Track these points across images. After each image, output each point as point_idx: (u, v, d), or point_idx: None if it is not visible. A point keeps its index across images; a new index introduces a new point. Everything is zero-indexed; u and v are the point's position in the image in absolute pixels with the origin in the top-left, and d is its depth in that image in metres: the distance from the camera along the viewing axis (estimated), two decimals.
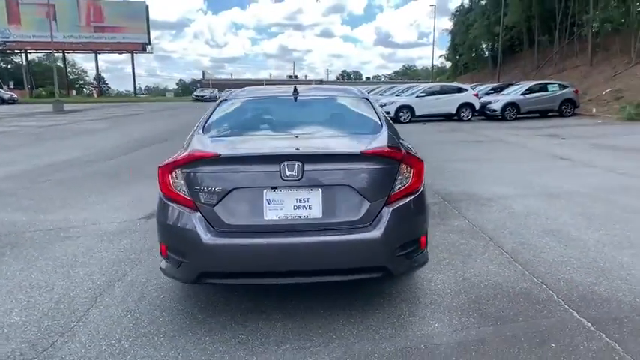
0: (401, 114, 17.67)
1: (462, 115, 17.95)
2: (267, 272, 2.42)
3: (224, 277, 2.44)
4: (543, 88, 18.28)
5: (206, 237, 2.33)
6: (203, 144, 2.59)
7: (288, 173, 2.35)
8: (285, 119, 3.30)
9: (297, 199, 2.40)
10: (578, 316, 2.65)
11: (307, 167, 2.36)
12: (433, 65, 54.90)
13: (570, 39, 29.07)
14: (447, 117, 18.23)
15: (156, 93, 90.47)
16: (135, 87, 67.86)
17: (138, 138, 12.56)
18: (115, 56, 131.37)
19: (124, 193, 5.94)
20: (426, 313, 2.74)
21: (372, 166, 2.45)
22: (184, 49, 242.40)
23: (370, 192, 2.43)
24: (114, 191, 6.08)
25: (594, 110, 18.34)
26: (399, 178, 2.50)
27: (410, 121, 17.63)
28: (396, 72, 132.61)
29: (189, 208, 2.41)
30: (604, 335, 2.45)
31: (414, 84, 23.51)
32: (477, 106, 18.23)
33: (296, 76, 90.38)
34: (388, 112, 17.20)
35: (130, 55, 62.36)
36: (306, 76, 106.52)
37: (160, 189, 2.55)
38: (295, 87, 3.37)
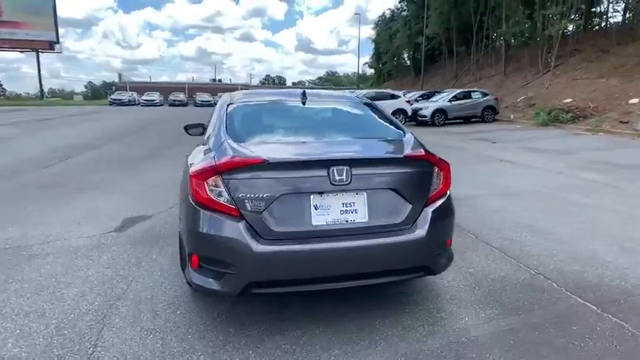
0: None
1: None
2: (316, 278, 2.37)
3: (273, 285, 2.34)
4: (467, 95, 19.75)
5: (256, 246, 2.23)
6: (241, 150, 2.46)
7: (337, 178, 2.33)
8: (308, 124, 3.24)
9: (343, 204, 2.38)
10: (582, 302, 2.93)
11: (354, 171, 2.37)
12: (359, 72, 56.79)
13: (485, 51, 31.77)
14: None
15: (60, 96, 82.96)
16: (41, 89, 61.63)
17: (63, 145, 11.36)
18: (9, 55, 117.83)
19: (75, 205, 5.40)
20: (452, 308, 2.86)
21: (412, 169, 2.52)
22: (92, 49, 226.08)
23: (412, 194, 2.49)
24: (62, 203, 5.51)
25: (512, 116, 20.14)
26: (434, 180, 2.59)
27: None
28: (319, 78, 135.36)
29: (233, 216, 2.29)
30: (610, 316, 2.73)
31: (352, 91, 24.14)
32: (410, 112, 19.21)
33: (220, 80, 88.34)
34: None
35: (32, 53, 56.09)
36: (230, 80, 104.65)
37: (193, 197, 2.39)
38: (304, 91, 3.35)
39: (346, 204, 2.38)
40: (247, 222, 2.27)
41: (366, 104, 3.55)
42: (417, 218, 2.50)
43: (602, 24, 27.18)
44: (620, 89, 17.32)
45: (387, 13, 54.56)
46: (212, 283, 2.36)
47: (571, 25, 23.07)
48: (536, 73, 24.57)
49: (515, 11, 25.84)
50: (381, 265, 2.43)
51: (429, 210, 2.52)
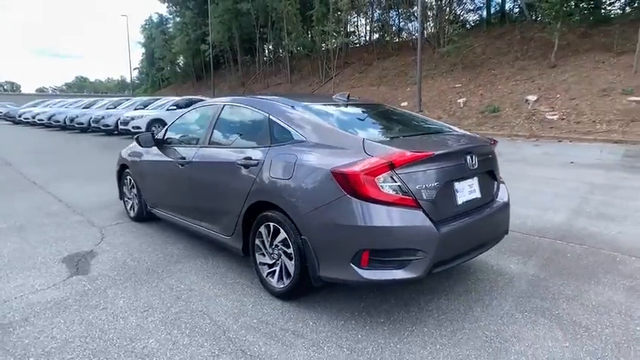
0: (153, 128, 16.51)
1: None
2: (466, 252, 2.68)
3: (448, 262, 2.53)
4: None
5: (439, 229, 2.40)
6: (395, 147, 2.51)
7: (471, 163, 2.70)
8: (388, 123, 3.33)
9: (469, 185, 2.76)
10: (606, 252, 3.84)
11: (476, 159, 2.78)
12: (132, 78, 52.27)
13: (271, 60, 34.20)
14: None
15: None
16: None
17: None
18: None
19: None
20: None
21: (493, 153, 3.09)
22: None
23: (496, 173, 3.07)
24: None
25: None
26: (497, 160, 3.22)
27: None
28: (67, 84, 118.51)
29: (411, 206, 2.38)
30: (634, 258, 3.68)
31: (155, 98, 22.04)
32: None
33: None
34: (138, 127, 15.90)
35: None
36: None
37: (362, 194, 2.34)
38: (335, 96, 3.52)
39: (470, 185, 2.77)
40: (424, 209, 2.41)
41: (384, 106, 3.87)
42: (498, 191, 3.08)
43: (363, 41, 32.91)
44: (390, 95, 21.68)
45: (155, 17, 52.22)
46: (394, 274, 2.38)
47: (340, 41, 27.20)
48: (319, 81, 28.12)
49: (295, 26, 28.81)
50: (494, 232, 2.93)
51: (501, 185, 3.15)
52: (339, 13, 27.05)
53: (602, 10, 18.44)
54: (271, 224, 2.84)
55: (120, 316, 2.73)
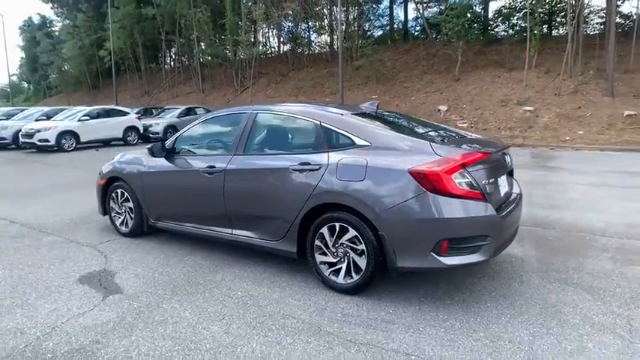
0: (64, 141, 14.92)
1: (129, 138, 17.14)
2: (511, 236, 3.15)
3: (501, 248, 2.95)
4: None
5: (501, 217, 2.82)
6: (456, 148, 2.86)
7: (509, 161, 3.18)
8: (420, 127, 3.64)
9: (504, 180, 3.23)
10: (575, 233, 4.71)
11: (510, 157, 3.28)
12: (10, 85, 46.19)
13: (180, 68, 32.81)
14: (108, 142, 16.68)
15: None
16: None
17: None
18: None
19: None
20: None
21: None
22: None
23: (513, 170, 3.61)
24: None
25: None
26: None
27: (75, 149, 15.13)
28: None
29: (479, 198, 2.76)
30: (597, 236, 4.46)
31: (60, 108, 19.86)
32: (142, 130, 18.04)
33: None
34: (47, 140, 14.34)
35: None
36: None
37: (440, 189, 2.67)
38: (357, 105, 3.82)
39: (504, 180, 3.25)
40: (488, 200, 2.81)
41: (403, 114, 4.25)
42: (513, 185, 3.63)
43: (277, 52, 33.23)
44: None
45: (37, 19, 47.12)
46: (469, 258, 2.76)
47: (255, 51, 27.27)
48: (234, 91, 27.82)
49: (207, 34, 28.18)
50: (518, 219, 3.44)
51: (513, 179, 3.70)
52: (251, 23, 27.18)
53: (491, 32, 21.23)
54: (337, 224, 3.01)
55: (200, 327, 2.69)
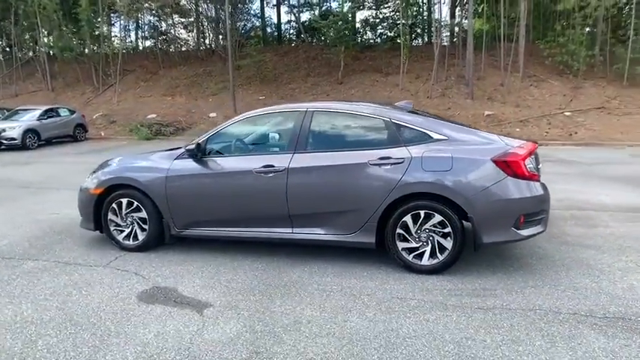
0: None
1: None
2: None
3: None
4: (56, 113, 17.49)
5: (548, 195, 3.51)
6: (512, 140, 3.43)
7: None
8: (456, 123, 4.03)
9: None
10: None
11: None
12: None
13: (16, 64, 27.58)
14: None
15: None
16: None
17: None
18: None
19: None
20: None
21: None
22: None
23: None
24: None
25: (102, 134, 19.79)
26: None
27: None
28: None
29: (537, 179, 3.39)
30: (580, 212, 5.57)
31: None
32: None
33: None
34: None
35: None
36: None
37: (518, 173, 3.22)
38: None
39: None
40: (540, 181, 3.47)
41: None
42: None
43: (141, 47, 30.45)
44: (193, 105, 21.31)
45: None
46: (537, 229, 3.38)
47: (121, 47, 24.81)
48: (94, 89, 24.79)
49: (55, 25, 24.45)
50: None
51: None
52: (112, 14, 24.59)
53: (363, 39, 23.28)
54: (422, 212, 3.34)
55: (372, 320, 2.74)
